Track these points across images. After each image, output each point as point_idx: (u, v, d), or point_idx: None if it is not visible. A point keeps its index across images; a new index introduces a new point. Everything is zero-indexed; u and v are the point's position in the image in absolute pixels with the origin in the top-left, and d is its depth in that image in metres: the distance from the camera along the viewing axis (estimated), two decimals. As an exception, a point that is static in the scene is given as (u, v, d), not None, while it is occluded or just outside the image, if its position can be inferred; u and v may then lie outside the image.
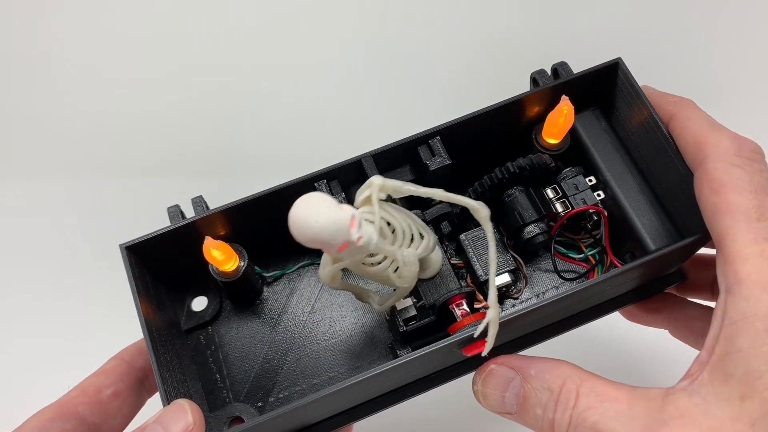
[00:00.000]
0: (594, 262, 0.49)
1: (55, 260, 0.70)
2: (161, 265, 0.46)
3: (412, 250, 0.38)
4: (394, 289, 0.41)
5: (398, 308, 0.44)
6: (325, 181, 0.43)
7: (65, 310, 0.70)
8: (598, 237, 0.48)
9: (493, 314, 0.37)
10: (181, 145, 0.67)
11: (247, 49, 0.65)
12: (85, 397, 0.43)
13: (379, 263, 0.38)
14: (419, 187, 0.37)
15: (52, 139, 0.71)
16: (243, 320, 0.49)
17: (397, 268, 0.39)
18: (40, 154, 0.72)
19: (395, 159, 0.46)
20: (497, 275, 0.46)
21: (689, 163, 0.41)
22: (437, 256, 0.43)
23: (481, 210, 0.38)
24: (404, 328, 0.43)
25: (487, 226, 0.38)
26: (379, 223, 0.35)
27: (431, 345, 0.38)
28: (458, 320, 0.42)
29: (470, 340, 0.39)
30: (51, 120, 0.70)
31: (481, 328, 0.38)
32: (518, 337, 0.47)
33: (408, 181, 0.45)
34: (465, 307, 0.43)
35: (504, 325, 0.40)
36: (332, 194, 0.43)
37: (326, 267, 0.38)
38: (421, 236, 0.40)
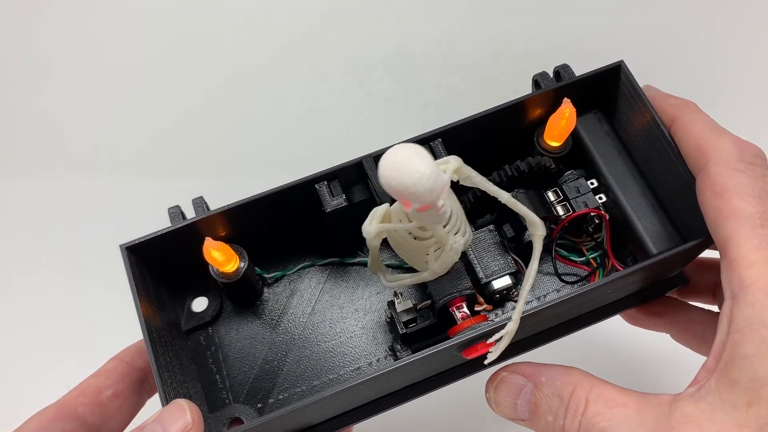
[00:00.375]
0: (595, 265, 0.48)
1: (55, 260, 0.70)
2: (162, 266, 0.46)
3: (461, 239, 0.38)
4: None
5: (398, 310, 0.44)
6: (325, 182, 0.43)
7: (65, 310, 0.70)
8: (599, 240, 0.48)
9: (512, 328, 0.38)
10: (182, 146, 0.67)
11: (248, 49, 0.65)
12: (85, 397, 0.43)
13: (425, 240, 0.38)
14: (490, 183, 0.37)
15: (51, 138, 0.70)
16: (243, 321, 0.49)
17: (436, 250, 0.39)
18: (39, 154, 0.71)
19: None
20: (497, 278, 0.46)
21: (691, 167, 0.41)
22: None
23: (539, 227, 0.39)
24: (404, 330, 0.43)
25: (538, 245, 0.39)
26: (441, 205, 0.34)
27: (431, 348, 0.38)
28: (458, 323, 0.42)
29: (470, 343, 0.39)
30: (51, 120, 0.69)
31: (496, 337, 0.38)
32: (519, 339, 0.47)
33: None
34: (465, 309, 0.43)
35: (503, 327, 0.40)
36: (332, 195, 0.43)
37: (374, 222, 0.37)
38: (465, 234, 0.40)
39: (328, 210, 0.43)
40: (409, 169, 0.29)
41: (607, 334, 0.62)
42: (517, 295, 0.48)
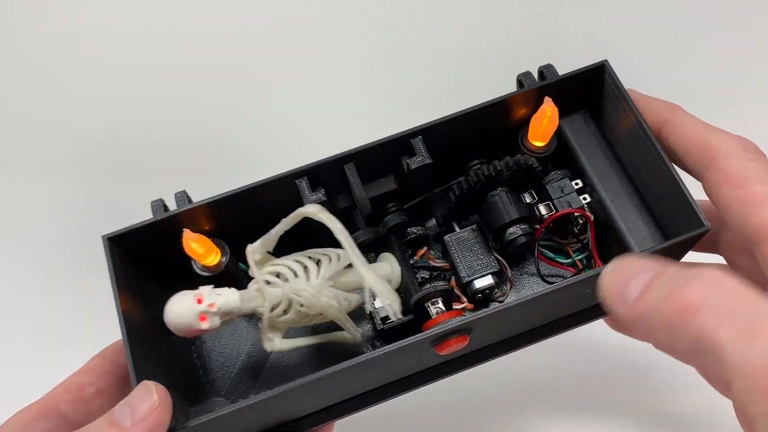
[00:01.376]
0: (581, 267, 0.48)
1: (38, 256, 0.71)
2: (148, 260, 0.46)
3: (302, 281, 0.41)
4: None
5: (377, 306, 0.44)
6: (306, 178, 0.43)
7: (48, 307, 0.70)
8: (585, 242, 0.48)
9: (370, 281, 0.39)
10: (165, 144, 0.66)
11: (232, 47, 0.65)
12: (68, 395, 0.43)
13: (287, 313, 0.42)
14: (273, 230, 0.41)
15: (38, 138, 0.70)
16: (227, 316, 0.49)
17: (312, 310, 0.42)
18: (23, 153, 0.71)
19: (379, 167, 0.46)
20: (479, 277, 0.46)
21: (693, 165, 0.41)
22: (392, 274, 0.45)
23: (304, 210, 0.40)
24: (381, 326, 0.43)
25: (322, 217, 0.40)
26: (261, 279, 0.41)
27: (401, 341, 0.38)
28: (432, 318, 0.42)
29: (443, 338, 0.39)
30: (39, 120, 0.69)
31: (368, 296, 0.40)
32: (502, 340, 0.46)
33: (390, 191, 0.46)
34: (441, 305, 0.42)
35: (481, 325, 0.39)
36: (311, 191, 0.43)
37: (267, 335, 0.42)
38: (319, 263, 0.43)
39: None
40: (165, 318, 0.39)
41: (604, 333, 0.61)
42: (502, 296, 0.48)
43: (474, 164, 0.46)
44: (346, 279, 0.44)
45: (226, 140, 0.66)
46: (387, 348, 0.38)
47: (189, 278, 0.48)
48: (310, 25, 0.61)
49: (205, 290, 0.40)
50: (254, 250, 0.42)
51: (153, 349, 0.44)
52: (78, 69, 0.67)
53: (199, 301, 0.39)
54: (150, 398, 0.36)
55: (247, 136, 0.65)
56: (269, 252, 0.43)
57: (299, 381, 0.37)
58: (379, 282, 0.40)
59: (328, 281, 0.42)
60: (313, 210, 0.39)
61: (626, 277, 0.33)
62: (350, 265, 0.42)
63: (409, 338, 0.38)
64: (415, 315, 0.43)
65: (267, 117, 0.65)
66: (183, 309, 0.39)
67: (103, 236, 0.42)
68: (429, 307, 0.42)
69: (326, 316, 0.42)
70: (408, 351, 0.39)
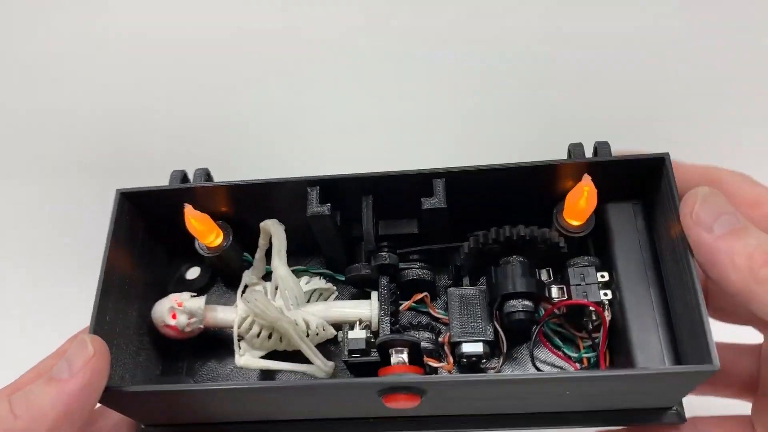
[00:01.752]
0: (586, 365, 0.44)
1: (17, 241, 0.73)
2: (162, 228, 0.47)
3: (261, 296, 0.43)
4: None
5: (350, 337, 0.42)
6: (318, 188, 0.42)
7: (23, 288, 0.70)
8: (597, 341, 0.43)
9: (283, 272, 0.42)
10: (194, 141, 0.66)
11: (257, 50, 0.63)
12: None
13: (252, 328, 0.44)
14: (256, 256, 0.45)
15: (41, 138, 0.71)
16: (225, 301, 0.49)
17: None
18: (28, 153, 0.72)
19: (403, 206, 0.44)
20: (469, 342, 0.43)
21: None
22: (369, 314, 0.44)
23: (263, 225, 0.43)
24: (347, 359, 0.41)
25: (272, 228, 0.42)
26: (240, 298, 0.45)
27: (341, 380, 0.36)
28: (391, 366, 0.39)
29: (392, 390, 0.37)
30: (43, 119, 0.69)
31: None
32: (471, 415, 0.43)
33: (409, 234, 0.46)
34: (404, 356, 0.39)
35: (436, 390, 0.37)
36: (320, 202, 0.42)
37: (236, 355, 0.44)
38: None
39: (308, 214, 0.42)
40: (151, 313, 0.46)
41: None
42: (491, 369, 0.45)
43: (477, 233, 0.43)
44: (332, 313, 0.44)
45: (247, 148, 0.65)
46: (326, 381, 0.36)
47: (197, 254, 0.48)
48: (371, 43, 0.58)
49: (183, 295, 0.45)
50: (247, 275, 0.46)
51: (134, 311, 0.45)
52: (81, 66, 0.65)
53: (174, 301, 0.45)
54: (85, 349, 0.36)
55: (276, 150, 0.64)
56: (263, 278, 0.46)
57: (226, 384, 0.36)
58: (289, 277, 0.42)
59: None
60: (269, 222, 0.42)
61: (718, 211, 0.36)
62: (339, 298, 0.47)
63: (352, 379, 0.36)
64: (381, 358, 0.41)
65: (296, 127, 0.64)
66: (160, 304, 0.45)
67: (117, 189, 0.43)
68: (392, 353, 0.40)
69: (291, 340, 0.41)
70: (350, 391, 0.37)
